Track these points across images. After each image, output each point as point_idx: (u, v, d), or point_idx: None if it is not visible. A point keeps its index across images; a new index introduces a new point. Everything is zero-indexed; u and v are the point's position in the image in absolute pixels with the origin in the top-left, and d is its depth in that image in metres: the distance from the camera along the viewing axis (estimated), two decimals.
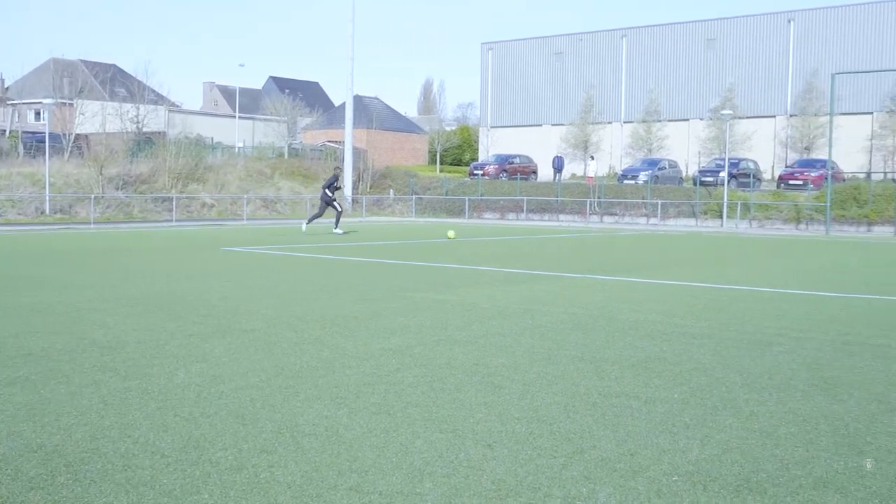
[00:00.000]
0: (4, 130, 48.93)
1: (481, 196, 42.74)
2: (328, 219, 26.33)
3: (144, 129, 44.36)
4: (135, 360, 6.08)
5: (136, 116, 44.28)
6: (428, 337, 7.16)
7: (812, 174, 36.57)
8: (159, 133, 45.18)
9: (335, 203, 24.21)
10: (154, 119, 47.36)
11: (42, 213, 31.79)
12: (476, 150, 62.79)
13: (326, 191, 24.01)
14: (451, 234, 23.96)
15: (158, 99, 52.87)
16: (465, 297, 9.83)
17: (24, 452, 3.98)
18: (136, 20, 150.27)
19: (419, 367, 5.94)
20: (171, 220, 32.84)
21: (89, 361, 5.99)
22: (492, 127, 58.41)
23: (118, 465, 3.83)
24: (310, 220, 24.73)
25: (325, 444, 4.20)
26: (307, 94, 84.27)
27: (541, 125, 56.01)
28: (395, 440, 4.25)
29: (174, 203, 34.16)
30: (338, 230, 24.38)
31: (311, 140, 62.58)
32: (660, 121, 49.72)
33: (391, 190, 45.46)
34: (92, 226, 28.91)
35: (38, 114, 57.47)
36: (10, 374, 5.61)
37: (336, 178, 24.93)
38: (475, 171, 45.87)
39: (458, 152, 68.13)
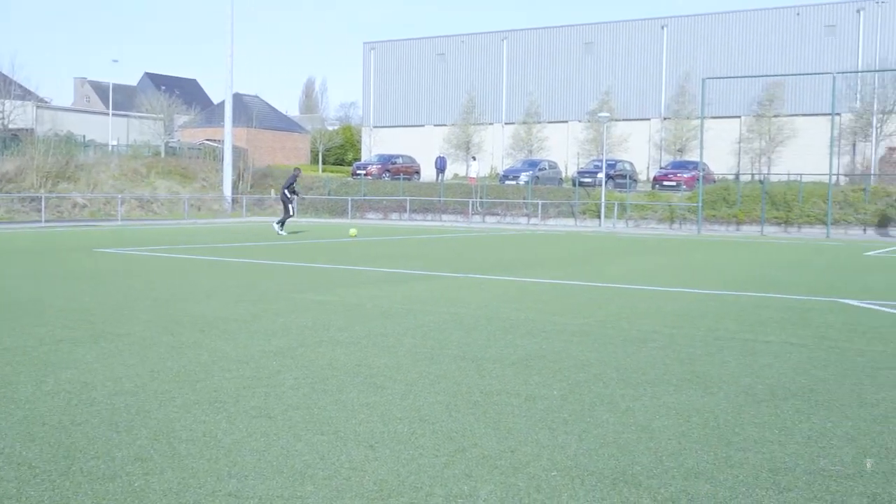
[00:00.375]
0: None
1: (364, 196, 42.76)
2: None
3: (10, 126, 42.55)
4: None
5: (2, 112, 42.28)
6: (309, 338, 7.08)
7: (685, 175, 38.11)
8: (27, 130, 42.97)
9: (290, 205, 24.29)
10: (21, 115, 45.66)
11: None
12: (359, 150, 62.83)
13: (286, 191, 24.11)
14: (352, 231, 24.12)
15: (25, 94, 50.35)
16: (348, 298, 9.77)
17: None
18: (1, 11, 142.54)
19: (300, 369, 5.86)
20: (41, 221, 31.46)
21: None
22: (375, 127, 58.73)
23: None
24: (281, 224, 24.44)
25: (202, 449, 4.10)
26: (185, 92, 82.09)
27: (423, 125, 56.47)
28: (275, 444, 4.18)
29: (43, 203, 32.68)
30: (282, 231, 24.12)
31: (189, 138, 61.79)
32: (540, 122, 50.92)
33: (272, 190, 44.07)
34: None
35: None
36: None
37: (295, 178, 24.71)
38: (358, 171, 46.04)
39: (340, 152, 68.17)
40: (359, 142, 64.10)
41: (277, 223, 24.41)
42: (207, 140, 56.48)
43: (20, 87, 48.65)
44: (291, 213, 24.42)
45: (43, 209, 32.39)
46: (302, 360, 6.20)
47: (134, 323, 7.80)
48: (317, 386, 5.38)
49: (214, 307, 8.92)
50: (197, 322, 7.89)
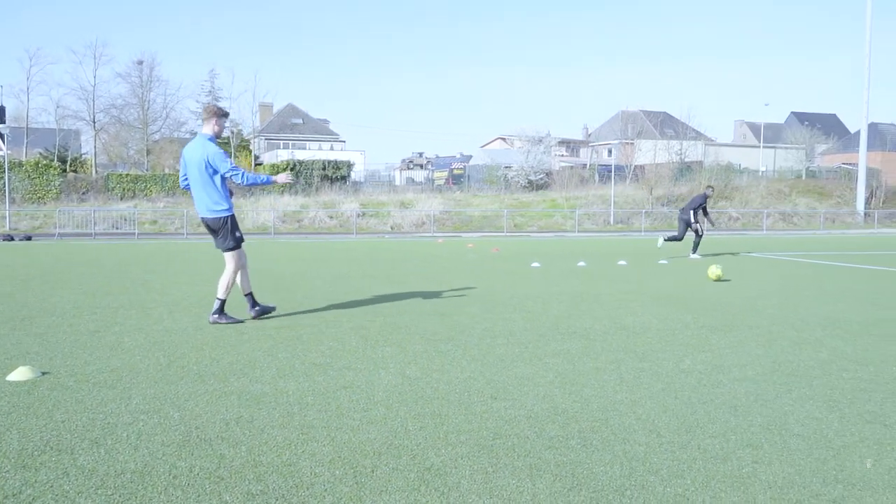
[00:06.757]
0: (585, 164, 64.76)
1: None
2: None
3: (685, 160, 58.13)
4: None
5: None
6: None
7: None
8: (697, 162, 58.35)
9: (697, 227, 20.09)
10: (693, 151, 62.32)
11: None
12: None
13: (692, 212, 19.91)
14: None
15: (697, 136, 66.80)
16: None
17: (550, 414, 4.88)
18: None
19: None
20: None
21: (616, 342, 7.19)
22: None
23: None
24: (669, 240, 20.34)
25: (812, 447, 4.27)
26: (824, 125, 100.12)
27: None
28: (890, 454, 4.18)
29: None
30: (695, 255, 20.57)
31: (827, 163, 73.40)
32: None
33: None
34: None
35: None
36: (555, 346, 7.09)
37: (706, 198, 20.31)
38: None
39: None
40: None
41: (665, 239, 20.48)
42: (843, 164, 66.12)
43: (693, 130, 68.19)
44: (701, 233, 20.43)
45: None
46: None
47: (763, 317, 9.16)
48: None
49: (839, 309, 9.78)
50: (820, 321, 8.71)
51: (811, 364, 6.69)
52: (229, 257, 8.65)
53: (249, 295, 8.92)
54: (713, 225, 21.20)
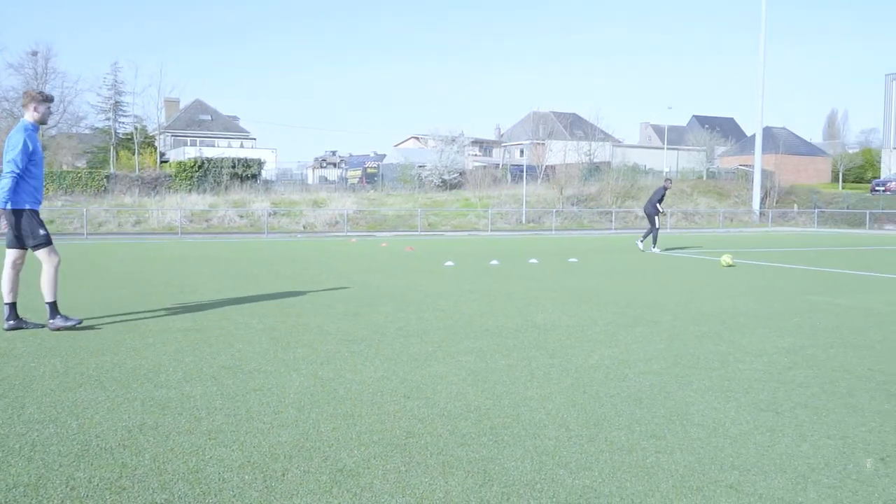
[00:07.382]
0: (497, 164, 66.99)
1: (882, 209, 48.71)
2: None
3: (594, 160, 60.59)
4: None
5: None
6: (822, 339, 7.70)
7: None
8: (605, 163, 60.97)
9: (656, 218, 22.61)
10: (601, 152, 65.25)
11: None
12: (878, 170, 70.52)
13: (657, 204, 22.44)
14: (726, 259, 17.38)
15: (605, 137, 71.65)
16: (866, 303, 10.51)
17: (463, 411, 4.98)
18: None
19: (811, 369, 6.37)
20: (611, 229, 42.05)
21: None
22: (894, 149, 63.54)
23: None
24: (645, 237, 23.08)
25: (710, 436, 4.52)
26: (724, 128, 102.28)
27: None
28: (780, 441, 4.43)
29: (613, 216, 45.56)
30: (654, 248, 22.88)
31: (726, 165, 74.63)
32: None
33: (795, 205, 54.60)
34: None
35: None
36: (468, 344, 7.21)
37: (665, 190, 22.82)
38: (877, 188, 53.39)
39: (860, 171, 76.03)
40: (878, 162, 72.06)
41: (642, 240, 23.14)
42: (741, 165, 68.54)
43: (602, 131, 71.23)
44: (657, 226, 22.63)
45: (613, 220, 45.07)
46: (813, 359, 6.76)
47: (665, 312, 9.47)
48: (826, 387, 5.76)
49: (737, 303, 10.42)
50: (719, 315, 9.30)
51: (710, 357, 6.97)
52: (42, 255, 8.01)
53: (12, 305, 8.00)
54: (665, 214, 22.94)
